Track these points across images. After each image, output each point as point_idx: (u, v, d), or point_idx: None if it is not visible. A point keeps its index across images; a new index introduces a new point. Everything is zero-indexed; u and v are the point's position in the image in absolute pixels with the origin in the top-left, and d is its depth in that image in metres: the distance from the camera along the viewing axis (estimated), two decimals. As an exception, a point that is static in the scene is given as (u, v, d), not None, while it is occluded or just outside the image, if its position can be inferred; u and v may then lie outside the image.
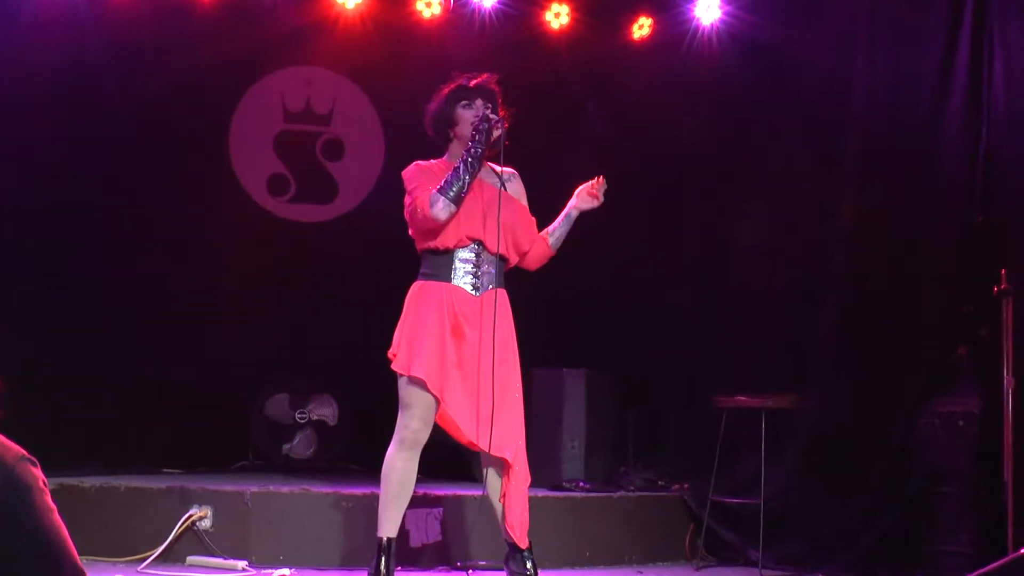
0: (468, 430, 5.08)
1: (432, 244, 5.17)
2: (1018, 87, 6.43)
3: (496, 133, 5.15)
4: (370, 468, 7.14)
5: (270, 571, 5.96)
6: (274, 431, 8.14)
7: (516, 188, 5.38)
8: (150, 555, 6.04)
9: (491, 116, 5.14)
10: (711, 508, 6.94)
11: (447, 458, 6.51)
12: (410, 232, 5.28)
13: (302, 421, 8.14)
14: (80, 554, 2.55)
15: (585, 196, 5.39)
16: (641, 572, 6.68)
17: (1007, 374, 5.73)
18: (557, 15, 8.13)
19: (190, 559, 6.08)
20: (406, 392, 5.09)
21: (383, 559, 5.08)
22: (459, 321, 5.12)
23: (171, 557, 6.10)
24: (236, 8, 7.96)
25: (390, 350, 5.15)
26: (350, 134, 8.81)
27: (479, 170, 5.14)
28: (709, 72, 7.78)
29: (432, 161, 5.31)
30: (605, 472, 7.46)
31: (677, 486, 7.34)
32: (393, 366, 5.12)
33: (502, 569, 5.31)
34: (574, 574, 6.59)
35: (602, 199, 5.40)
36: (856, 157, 6.98)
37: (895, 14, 6.91)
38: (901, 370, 6.64)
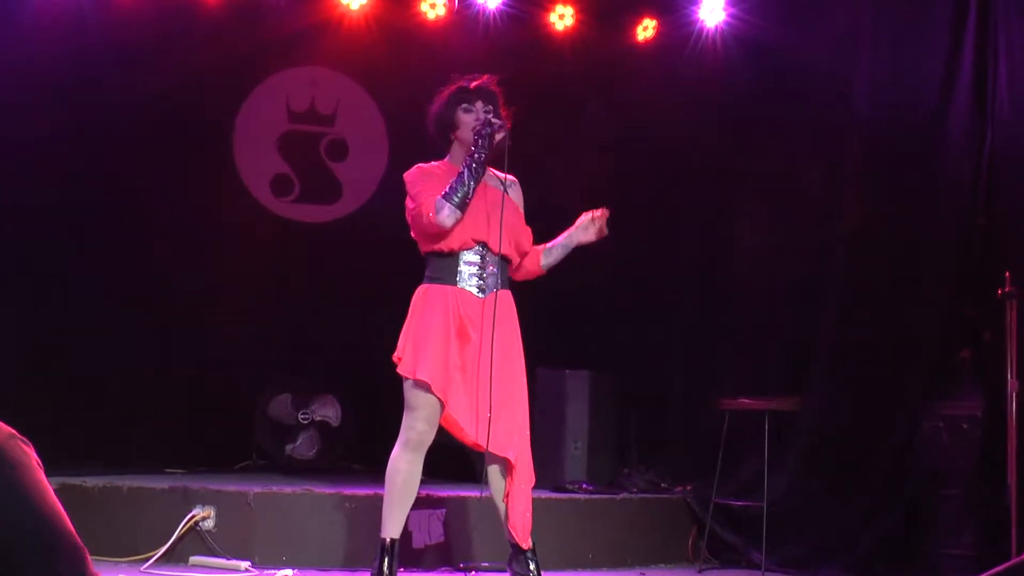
0: (472, 431, 5.08)
1: (437, 247, 5.17)
2: (1022, 88, 6.42)
3: (499, 137, 5.15)
4: (373, 468, 7.15)
5: (273, 571, 5.96)
6: (277, 431, 8.14)
7: (516, 195, 5.38)
8: (153, 555, 6.04)
9: (494, 121, 5.14)
10: (714, 510, 6.94)
11: (450, 459, 6.52)
12: (412, 234, 5.29)
13: (305, 422, 8.14)
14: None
15: (589, 228, 5.35)
16: (643, 574, 6.68)
17: (1010, 377, 5.73)
18: (561, 16, 8.14)
19: (193, 559, 6.08)
20: (411, 394, 5.09)
21: (386, 560, 5.09)
22: (464, 324, 5.12)
23: (174, 557, 6.10)
24: (240, 8, 7.97)
25: (395, 353, 5.15)
26: (354, 135, 8.82)
27: (483, 175, 5.14)
28: (713, 74, 7.78)
29: (434, 163, 5.31)
30: (608, 474, 7.46)
31: (680, 488, 7.34)
32: (399, 369, 5.12)
33: (505, 570, 5.32)
34: None
35: (605, 231, 5.37)
36: (858, 158, 6.97)
37: (898, 15, 6.90)
38: (902, 371, 6.63)
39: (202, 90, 8.10)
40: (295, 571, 5.98)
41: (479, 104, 5.24)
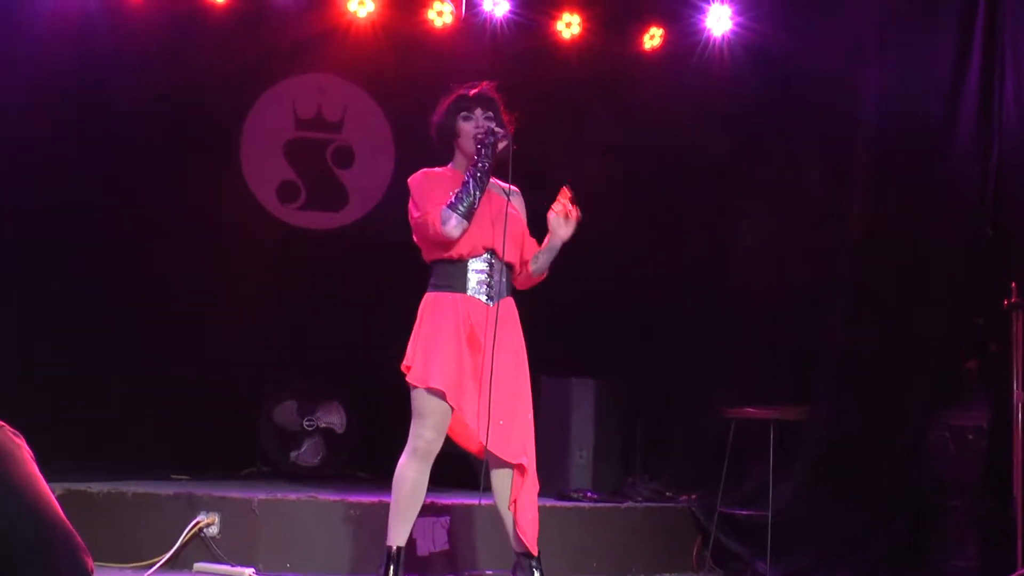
0: (484, 438, 5.06)
1: (445, 254, 5.17)
2: (1029, 98, 6.43)
3: (502, 145, 5.15)
4: (377, 476, 7.16)
5: (277, 578, 5.98)
6: (282, 438, 8.14)
7: (519, 203, 5.38)
8: (157, 561, 6.04)
9: (497, 130, 5.14)
10: (719, 519, 6.93)
11: (455, 467, 6.51)
12: (415, 239, 5.28)
13: (310, 428, 8.14)
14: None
15: (562, 224, 5.21)
16: (647, 583, 6.69)
17: (1016, 388, 5.73)
18: (568, 25, 8.14)
19: (197, 566, 6.07)
20: (420, 403, 5.07)
21: (391, 567, 5.08)
22: (475, 332, 5.12)
23: (178, 563, 6.10)
24: (248, 15, 7.98)
25: (404, 362, 5.14)
26: (360, 142, 8.82)
27: (487, 183, 5.14)
28: (719, 82, 7.78)
29: (439, 169, 5.32)
30: (613, 482, 7.45)
31: (685, 497, 7.34)
32: (409, 378, 5.10)
33: (509, 578, 5.31)
34: (581, 584, 6.60)
35: (575, 215, 5.22)
36: (865, 166, 6.97)
37: (905, 24, 6.90)
38: (908, 381, 6.62)
39: (209, 96, 8.10)
40: (299, 578, 6.00)
41: (478, 112, 5.24)
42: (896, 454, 6.59)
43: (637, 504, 7.18)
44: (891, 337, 6.72)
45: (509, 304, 5.26)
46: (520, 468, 5.13)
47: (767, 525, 6.55)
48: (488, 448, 5.08)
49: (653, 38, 8.15)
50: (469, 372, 5.10)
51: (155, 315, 7.88)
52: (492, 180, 5.23)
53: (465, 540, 6.36)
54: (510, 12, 7.95)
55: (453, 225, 5.05)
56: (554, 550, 6.04)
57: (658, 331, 7.92)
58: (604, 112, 8.34)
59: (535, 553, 5.16)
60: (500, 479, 5.20)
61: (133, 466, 7.23)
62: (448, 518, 6.38)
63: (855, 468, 6.71)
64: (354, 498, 6.42)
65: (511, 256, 5.23)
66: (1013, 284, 5.79)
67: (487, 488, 5.23)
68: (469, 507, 6.37)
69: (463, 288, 5.16)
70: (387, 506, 5.19)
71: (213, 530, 6.16)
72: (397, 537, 5.11)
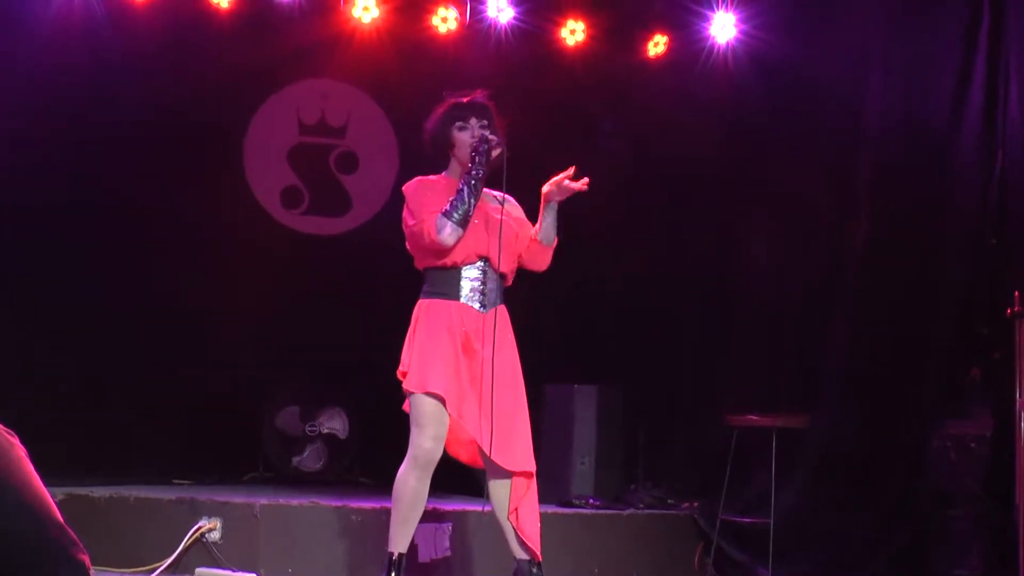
0: (485, 446, 5.06)
1: (439, 262, 5.16)
2: (1033, 109, 6.43)
3: (496, 153, 5.14)
4: (379, 481, 7.15)
5: (278, 584, 5.97)
6: (284, 443, 8.15)
7: (513, 210, 5.35)
8: (159, 566, 6.03)
9: (491, 137, 5.13)
10: (721, 526, 6.93)
11: (457, 474, 6.50)
12: (408, 247, 5.28)
13: (312, 434, 8.15)
14: (91, 566, 2.55)
15: (561, 185, 5.21)
16: (650, 590, 6.69)
17: (1019, 396, 5.72)
18: (573, 32, 8.14)
19: (199, 571, 6.06)
20: (418, 412, 5.05)
21: (393, 574, 5.08)
22: (469, 339, 5.11)
23: (180, 568, 6.10)
24: (253, 20, 7.98)
25: (400, 369, 5.14)
26: (364, 147, 8.83)
27: (481, 191, 5.13)
28: (724, 90, 7.79)
29: (434, 177, 5.31)
30: (615, 489, 7.45)
31: (687, 504, 7.33)
32: (405, 386, 5.09)
33: (510, 585, 5.31)
34: (582, 591, 6.60)
35: (579, 183, 5.22)
36: (870, 176, 6.97)
37: (910, 32, 6.91)
38: (912, 390, 6.62)
39: (213, 100, 8.10)
40: (301, 583, 5.99)
41: (473, 121, 5.22)
42: (899, 462, 6.58)
43: (639, 511, 7.18)
44: (894, 345, 6.72)
45: (503, 312, 5.25)
46: (522, 476, 5.12)
47: (769, 532, 6.55)
48: (492, 457, 5.07)
49: (657, 45, 8.15)
50: (466, 379, 5.08)
51: (157, 318, 7.89)
52: (485, 189, 5.23)
53: (467, 546, 6.36)
54: (514, 19, 7.95)
55: (448, 233, 5.04)
56: (556, 557, 6.04)
57: (661, 338, 7.92)
58: (608, 119, 8.35)
59: (539, 559, 5.15)
60: (498, 489, 5.18)
61: (135, 470, 7.24)
62: (450, 524, 6.37)
63: (858, 476, 6.70)
64: (356, 504, 6.42)
65: (507, 265, 5.23)
66: (1016, 293, 5.78)
67: (488, 496, 5.22)
68: (471, 514, 6.36)
69: (456, 295, 5.15)
70: (389, 512, 5.18)
71: (215, 535, 6.15)
72: (398, 544, 5.11)
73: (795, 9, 7.45)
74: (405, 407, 5.15)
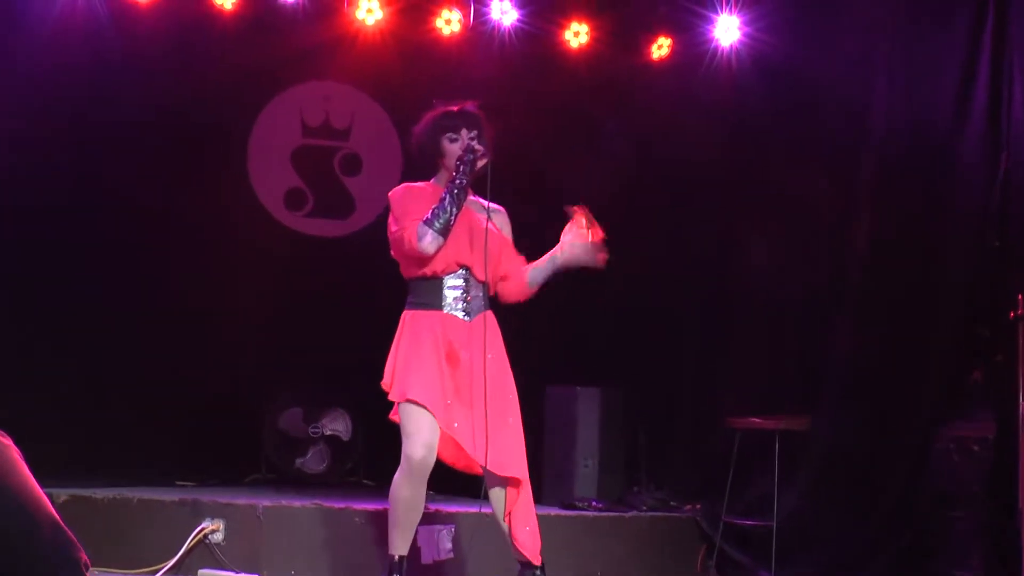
0: (472, 453, 5.06)
1: (420, 271, 5.16)
2: (1036, 111, 6.43)
3: (481, 164, 5.13)
4: (382, 483, 7.10)
5: (281, 585, 5.98)
6: (287, 445, 8.15)
7: (502, 222, 5.35)
8: (162, 568, 6.05)
9: (476, 148, 5.12)
10: (723, 528, 6.93)
11: (459, 475, 6.50)
12: (392, 254, 5.28)
13: (315, 436, 8.15)
14: (91, 565, 2.56)
15: (578, 246, 5.23)
16: (652, 592, 6.69)
17: (1022, 399, 5.72)
18: (576, 34, 8.13)
19: (202, 572, 6.07)
20: (407, 421, 5.04)
21: (395, 576, 5.10)
22: (454, 348, 5.10)
23: (183, 570, 6.11)
24: (256, 22, 7.98)
25: (384, 380, 5.15)
26: (368, 150, 8.83)
27: (464, 200, 5.12)
28: (727, 92, 7.78)
29: (421, 184, 5.30)
30: (618, 491, 7.45)
31: (689, 506, 7.34)
32: (391, 396, 5.11)
33: (514, 587, 5.31)
34: (585, 593, 6.60)
35: (597, 235, 5.27)
36: (873, 179, 6.97)
37: (913, 34, 6.90)
38: (914, 392, 6.62)
39: (217, 102, 8.10)
40: (303, 585, 6.00)
41: (464, 131, 5.20)
42: (900, 464, 6.58)
43: (642, 513, 7.19)
44: (896, 347, 6.72)
45: (491, 318, 5.24)
46: (513, 481, 5.12)
47: (772, 535, 6.55)
48: (477, 464, 5.06)
49: (661, 48, 8.15)
50: (451, 389, 5.08)
51: (159, 319, 7.88)
52: (474, 198, 5.22)
53: (470, 548, 6.36)
54: (518, 21, 7.95)
55: (428, 241, 5.04)
56: (559, 559, 6.05)
57: (663, 341, 7.92)
58: (611, 121, 8.35)
59: (536, 563, 5.14)
60: (495, 493, 5.19)
61: (136, 472, 7.25)
62: (453, 526, 6.38)
63: (860, 478, 6.70)
64: (359, 506, 6.43)
65: (490, 275, 5.22)
66: (1020, 296, 5.78)
67: (487, 499, 5.22)
68: (474, 515, 6.34)
69: (439, 305, 5.15)
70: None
71: (218, 537, 6.17)
72: (398, 547, 5.11)
73: (799, 11, 7.45)
74: (393, 417, 5.16)
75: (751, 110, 7.64)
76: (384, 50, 8.19)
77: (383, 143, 8.78)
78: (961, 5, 6.75)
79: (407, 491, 5.05)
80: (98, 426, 7.46)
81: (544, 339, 7.74)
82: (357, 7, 7.95)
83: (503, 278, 5.30)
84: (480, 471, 5.16)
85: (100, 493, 6.40)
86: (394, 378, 5.11)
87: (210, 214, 8.16)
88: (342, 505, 6.47)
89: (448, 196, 5.06)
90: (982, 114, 6.61)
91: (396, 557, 5.10)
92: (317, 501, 6.56)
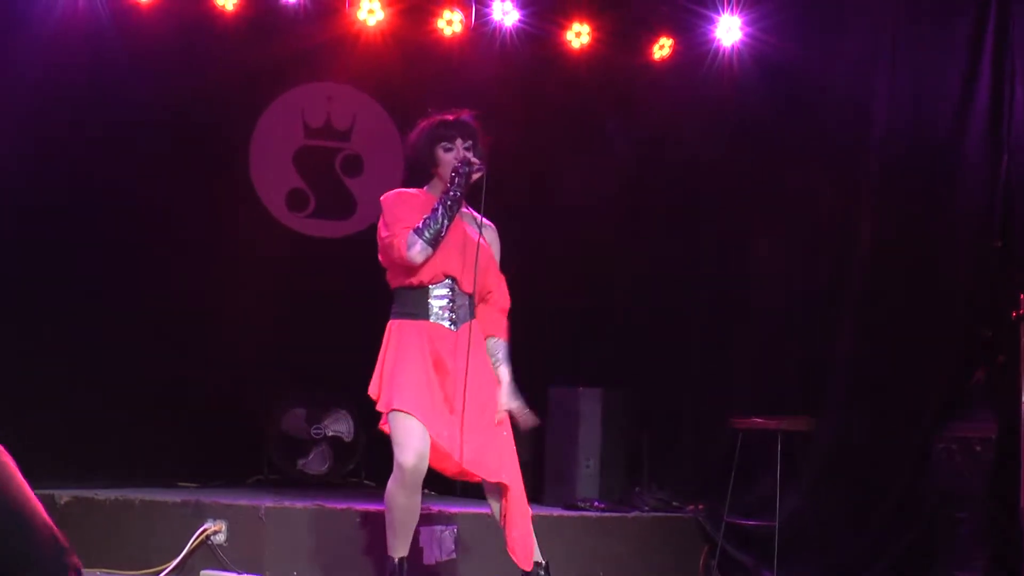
0: (460, 460, 5.03)
1: (407, 280, 5.14)
2: (1038, 113, 6.43)
3: (476, 176, 5.11)
4: (384, 484, 7.12)
5: (283, 586, 5.98)
6: (289, 446, 8.15)
7: (492, 238, 5.32)
8: (164, 568, 6.05)
9: (473, 160, 5.10)
10: (725, 529, 6.93)
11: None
12: (380, 259, 5.26)
13: (317, 437, 8.15)
14: (93, 566, 2.56)
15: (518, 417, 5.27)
16: (654, 593, 6.69)
17: (1024, 399, 5.72)
18: (578, 35, 8.13)
19: (204, 573, 6.08)
20: (396, 431, 5.01)
21: (396, 578, 5.09)
22: (441, 357, 5.08)
23: (185, 571, 6.11)
24: (258, 23, 7.99)
25: (370, 390, 5.14)
26: (369, 150, 8.83)
27: (457, 212, 5.09)
28: (729, 92, 7.78)
29: (414, 190, 5.26)
30: (620, 492, 7.45)
31: (691, 507, 7.33)
32: (379, 407, 5.10)
33: (518, 587, 5.30)
34: (587, 594, 6.60)
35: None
36: (875, 179, 6.97)
37: (916, 36, 6.90)
38: (916, 392, 6.61)
39: (218, 103, 8.10)
40: (306, 586, 6.00)
41: (459, 142, 5.17)
42: (903, 465, 6.58)
43: (644, 514, 7.19)
44: (899, 348, 6.71)
45: (475, 328, 5.21)
46: (504, 487, 5.10)
47: (774, 535, 6.54)
48: (464, 466, 5.04)
49: (663, 48, 8.15)
50: (439, 397, 5.06)
51: (160, 320, 7.87)
52: (467, 210, 5.20)
53: (473, 549, 6.36)
54: (519, 21, 7.95)
55: (418, 250, 5.02)
56: (561, 559, 6.04)
57: (666, 341, 7.92)
58: (613, 122, 8.35)
59: (527, 569, 5.11)
60: (491, 497, 5.19)
61: (138, 472, 7.25)
62: (455, 527, 6.38)
63: (862, 479, 6.70)
64: (361, 506, 6.43)
65: (477, 289, 5.19)
66: (1022, 296, 5.78)
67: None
68: (477, 516, 6.37)
69: (425, 315, 5.13)
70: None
71: (220, 538, 6.17)
72: (398, 550, 5.09)
73: (801, 12, 7.45)
74: (383, 427, 5.15)
75: (753, 110, 7.64)
76: (385, 51, 8.19)
77: (385, 144, 8.76)
78: (963, 5, 6.75)
79: (402, 499, 5.02)
80: (99, 427, 7.45)
81: (546, 339, 7.75)
82: (358, 8, 7.96)
83: (489, 292, 5.29)
84: (476, 478, 5.15)
85: (102, 494, 6.40)
86: (381, 388, 5.10)
87: (212, 215, 8.17)
88: (344, 506, 6.47)
89: (441, 208, 5.03)
90: (984, 114, 6.61)
91: (397, 559, 5.09)
92: (319, 502, 6.56)
